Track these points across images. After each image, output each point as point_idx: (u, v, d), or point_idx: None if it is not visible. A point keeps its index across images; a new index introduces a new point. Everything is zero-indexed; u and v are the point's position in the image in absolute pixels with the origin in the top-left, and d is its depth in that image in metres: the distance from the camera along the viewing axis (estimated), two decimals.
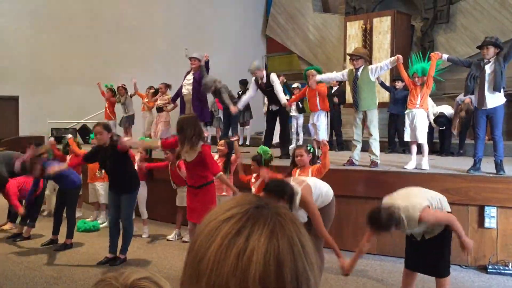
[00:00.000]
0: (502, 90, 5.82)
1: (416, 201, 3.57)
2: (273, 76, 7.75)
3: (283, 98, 7.70)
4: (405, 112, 6.64)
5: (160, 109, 10.20)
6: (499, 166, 5.70)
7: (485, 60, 5.78)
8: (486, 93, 5.77)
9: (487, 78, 5.76)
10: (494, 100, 5.77)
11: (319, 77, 7.21)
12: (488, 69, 5.75)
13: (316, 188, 4.27)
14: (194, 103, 8.28)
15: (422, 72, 6.35)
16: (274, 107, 7.92)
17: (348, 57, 7.50)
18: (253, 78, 7.92)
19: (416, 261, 3.90)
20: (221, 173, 5.07)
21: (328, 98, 7.78)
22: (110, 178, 5.76)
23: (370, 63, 11.98)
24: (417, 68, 6.47)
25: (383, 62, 6.74)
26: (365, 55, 6.76)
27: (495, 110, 5.80)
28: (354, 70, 6.64)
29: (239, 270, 0.64)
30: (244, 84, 11.23)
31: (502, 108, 5.84)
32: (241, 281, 0.63)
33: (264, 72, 7.83)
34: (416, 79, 6.43)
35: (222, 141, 6.06)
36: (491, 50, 5.73)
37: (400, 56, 6.47)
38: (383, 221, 3.52)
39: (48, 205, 8.24)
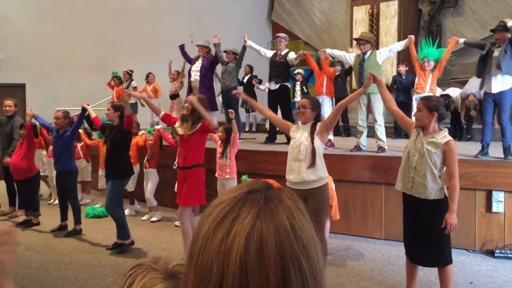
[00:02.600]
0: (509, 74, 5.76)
1: None
2: (292, 54, 7.78)
3: (291, 60, 7.75)
4: (414, 97, 6.62)
5: (173, 96, 10.17)
6: (507, 151, 5.68)
7: (497, 44, 5.72)
8: (493, 77, 5.72)
9: (494, 62, 5.70)
10: (501, 84, 5.72)
11: (329, 50, 7.30)
12: (496, 52, 5.69)
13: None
14: (201, 90, 8.27)
15: (433, 57, 6.35)
16: (273, 86, 7.83)
17: (355, 42, 7.51)
18: (271, 54, 7.96)
19: (417, 254, 3.88)
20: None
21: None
22: (105, 160, 5.80)
23: (377, 48, 11.94)
24: (428, 53, 6.47)
25: (393, 45, 6.76)
26: (372, 40, 6.77)
27: (502, 95, 5.74)
28: (361, 54, 6.67)
29: (222, 252, 0.65)
30: (250, 68, 11.19)
31: (509, 93, 5.77)
32: (224, 262, 0.65)
33: (287, 49, 7.91)
34: (426, 63, 6.43)
35: (221, 127, 6.05)
36: (504, 34, 5.65)
37: (412, 36, 6.60)
38: (437, 99, 3.86)
39: (54, 194, 8.36)
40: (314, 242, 0.71)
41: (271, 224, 0.67)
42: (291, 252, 0.66)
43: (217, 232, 0.67)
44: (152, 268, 0.89)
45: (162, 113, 5.29)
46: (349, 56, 6.97)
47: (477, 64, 5.92)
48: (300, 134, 4.25)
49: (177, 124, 5.08)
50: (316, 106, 4.31)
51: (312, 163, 4.12)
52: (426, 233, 3.75)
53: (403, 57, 11.07)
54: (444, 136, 3.70)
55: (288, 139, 7.66)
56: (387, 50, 6.60)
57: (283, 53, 7.83)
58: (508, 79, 5.72)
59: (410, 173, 3.78)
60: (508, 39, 5.63)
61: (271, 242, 0.65)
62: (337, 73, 10.04)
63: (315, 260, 0.69)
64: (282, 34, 8.08)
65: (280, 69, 7.76)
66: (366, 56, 6.58)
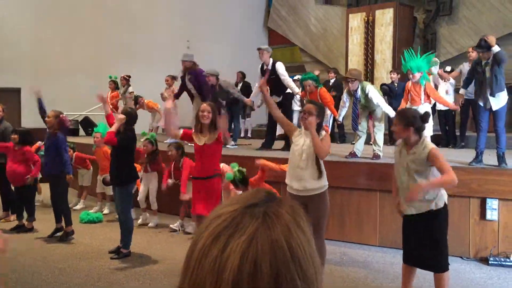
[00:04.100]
0: (505, 89, 5.81)
1: None
2: (279, 65, 7.60)
3: (294, 87, 7.58)
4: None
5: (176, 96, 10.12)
6: (501, 159, 5.71)
7: (483, 62, 5.77)
8: (489, 97, 5.75)
9: (487, 81, 5.73)
10: (498, 102, 5.76)
11: (340, 115, 7.16)
12: (488, 72, 5.71)
13: None
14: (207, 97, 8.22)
15: (417, 69, 6.28)
16: (277, 99, 7.79)
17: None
18: (259, 66, 7.82)
19: (414, 256, 3.90)
20: None
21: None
22: (110, 166, 5.75)
23: (372, 54, 12.03)
24: (411, 66, 6.34)
25: (383, 105, 6.49)
26: (360, 76, 6.59)
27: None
28: (352, 91, 6.58)
29: (215, 271, 0.64)
30: (243, 74, 11.24)
31: (505, 104, 5.83)
32: (217, 282, 0.63)
33: (271, 60, 7.69)
34: (411, 76, 6.37)
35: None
36: (489, 54, 5.67)
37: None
38: (412, 114, 3.81)
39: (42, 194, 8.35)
40: (313, 261, 0.68)
41: (267, 243, 0.64)
42: (286, 273, 0.64)
43: (212, 248, 0.65)
44: None
45: (180, 132, 5.12)
46: (343, 100, 6.91)
47: (475, 86, 5.99)
48: (302, 141, 4.23)
49: (193, 133, 5.01)
50: (321, 114, 4.27)
51: (319, 173, 4.17)
52: (425, 239, 3.78)
53: (398, 66, 11.13)
54: (424, 146, 3.70)
55: (287, 144, 7.72)
56: (373, 99, 6.40)
57: (269, 66, 7.63)
58: (502, 94, 5.78)
59: (405, 193, 3.79)
60: (492, 56, 5.67)
61: (266, 263, 0.63)
62: (331, 82, 10.14)
63: (313, 280, 0.67)
64: (263, 46, 7.82)
65: (274, 83, 7.54)
66: (358, 95, 6.50)
